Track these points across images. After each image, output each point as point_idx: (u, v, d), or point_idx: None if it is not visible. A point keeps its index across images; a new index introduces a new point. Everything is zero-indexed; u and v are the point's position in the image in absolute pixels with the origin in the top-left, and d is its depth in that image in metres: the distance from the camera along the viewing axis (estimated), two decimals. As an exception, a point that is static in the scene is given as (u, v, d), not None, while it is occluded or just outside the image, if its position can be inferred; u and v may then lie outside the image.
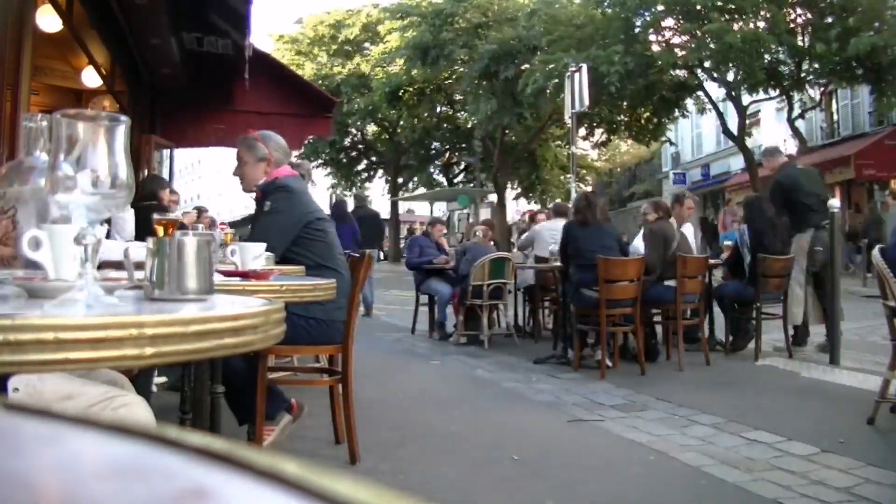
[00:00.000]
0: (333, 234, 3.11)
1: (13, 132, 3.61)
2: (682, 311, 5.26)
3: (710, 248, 9.36)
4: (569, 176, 12.07)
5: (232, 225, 12.55)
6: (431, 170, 29.85)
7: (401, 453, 3.10)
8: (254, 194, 3.12)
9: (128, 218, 4.01)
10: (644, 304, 5.13)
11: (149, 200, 4.50)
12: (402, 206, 31.26)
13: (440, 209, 31.59)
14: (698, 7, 15.17)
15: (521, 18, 19.55)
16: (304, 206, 3.01)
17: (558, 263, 5.72)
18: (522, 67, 18.36)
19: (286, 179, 3.01)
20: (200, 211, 7.77)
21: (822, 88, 16.43)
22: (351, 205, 10.34)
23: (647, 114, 19.19)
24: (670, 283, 5.26)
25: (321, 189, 28.68)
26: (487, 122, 20.71)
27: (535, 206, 23.00)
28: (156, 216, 2.30)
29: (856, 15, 13.71)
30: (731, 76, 16.39)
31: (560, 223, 7.32)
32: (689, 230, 6.11)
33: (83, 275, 0.87)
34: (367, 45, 26.28)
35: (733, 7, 15.22)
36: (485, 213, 24.06)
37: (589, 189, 18.28)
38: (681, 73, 17.23)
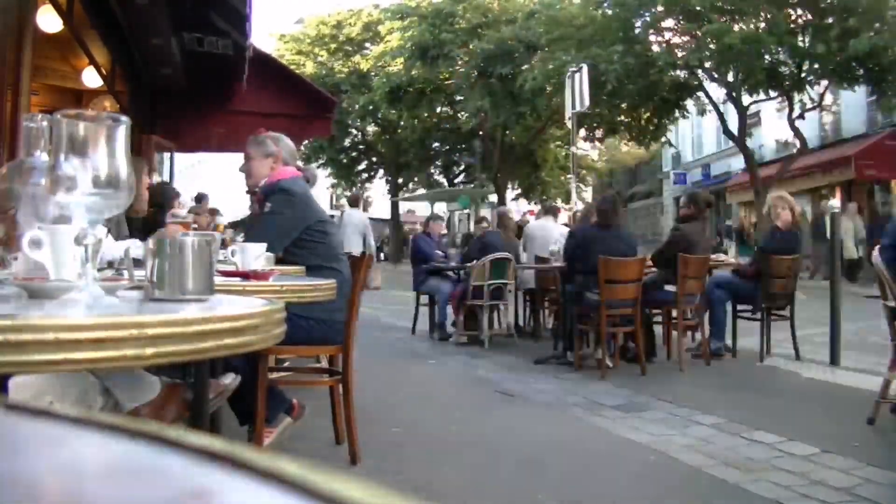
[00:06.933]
0: (335, 235, 3.12)
1: (14, 132, 3.61)
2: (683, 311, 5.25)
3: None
4: (569, 176, 12.05)
5: (233, 225, 12.47)
6: (431, 170, 29.86)
7: (401, 453, 3.10)
8: (253, 196, 3.15)
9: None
10: (644, 304, 5.12)
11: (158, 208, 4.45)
12: (403, 207, 31.26)
13: (440, 209, 31.64)
14: (698, 8, 15.16)
15: (520, 19, 19.54)
16: (305, 210, 3.02)
17: (558, 263, 5.70)
18: (523, 67, 18.36)
19: (287, 182, 3.02)
20: (201, 198, 7.64)
21: (822, 89, 16.41)
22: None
23: (648, 114, 19.17)
24: (671, 288, 5.24)
25: (322, 189, 28.65)
26: (481, 119, 20.71)
27: (535, 207, 23.01)
28: (170, 217, 2.32)
29: (856, 15, 13.68)
30: (731, 77, 16.38)
31: (549, 223, 7.35)
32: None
33: (83, 275, 0.86)
34: (367, 44, 26.29)
35: (733, 8, 15.21)
36: (485, 214, 24.06)
37: (612, 190, 18.27)
38: (681, 73, 17.21)
